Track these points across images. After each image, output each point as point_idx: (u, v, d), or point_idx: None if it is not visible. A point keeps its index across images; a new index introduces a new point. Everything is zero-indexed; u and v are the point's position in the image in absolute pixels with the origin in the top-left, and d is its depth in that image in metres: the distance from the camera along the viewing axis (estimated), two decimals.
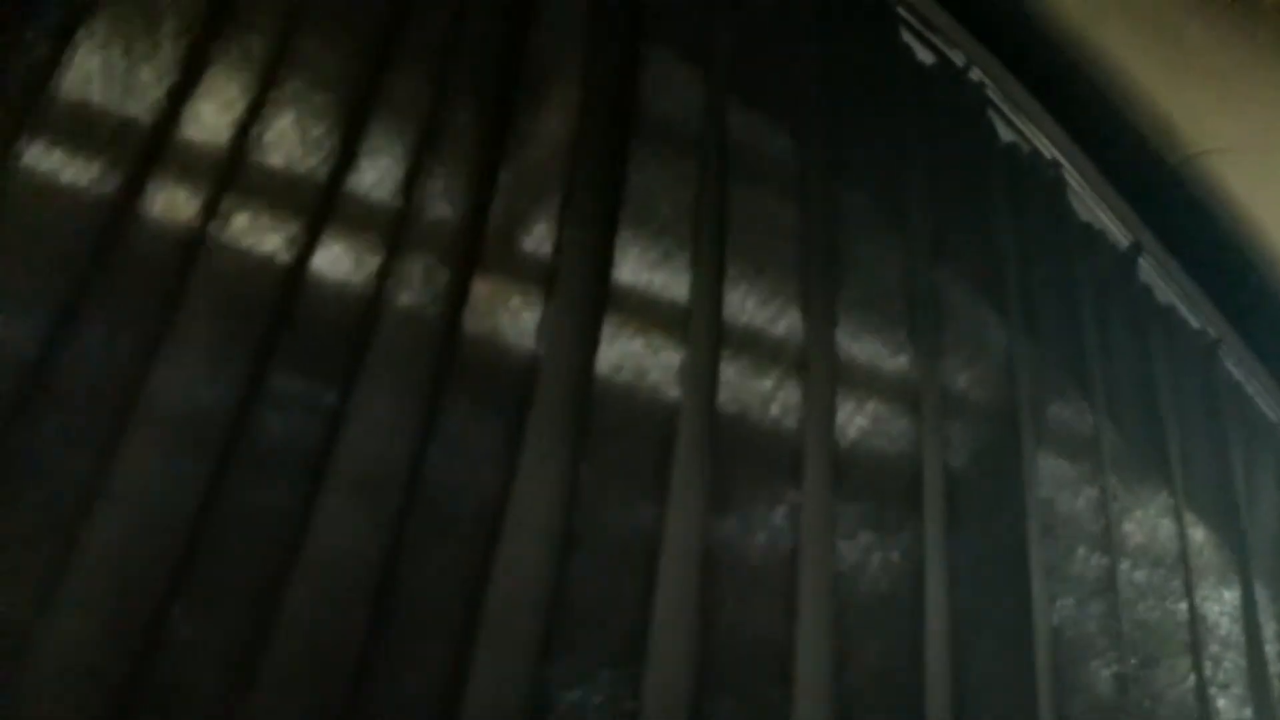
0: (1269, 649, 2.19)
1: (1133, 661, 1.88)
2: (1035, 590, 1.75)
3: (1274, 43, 2.13)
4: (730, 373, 1.64)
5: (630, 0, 1.76)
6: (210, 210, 1.29)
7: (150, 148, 1.29)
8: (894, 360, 1.81)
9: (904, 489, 1.73)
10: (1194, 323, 2.50)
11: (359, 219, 1.41)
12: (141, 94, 1.31)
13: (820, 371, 1.70)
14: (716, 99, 1.73)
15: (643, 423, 1.55)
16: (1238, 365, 2.58)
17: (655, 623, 1.41)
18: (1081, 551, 1.91)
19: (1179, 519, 2.11)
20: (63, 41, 1.28)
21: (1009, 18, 2.11)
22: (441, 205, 1.47)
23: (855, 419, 1.77)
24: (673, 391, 1.56)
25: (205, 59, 1.36)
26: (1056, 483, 1.94)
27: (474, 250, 1.47)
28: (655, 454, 1.52)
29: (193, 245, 1.28)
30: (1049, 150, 2.29)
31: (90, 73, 1.29)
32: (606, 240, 1.58)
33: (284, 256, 1.33)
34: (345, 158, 1.41)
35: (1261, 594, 2.31)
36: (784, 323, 1.75)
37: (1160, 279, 2.46)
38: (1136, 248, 2.40)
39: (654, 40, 1.75)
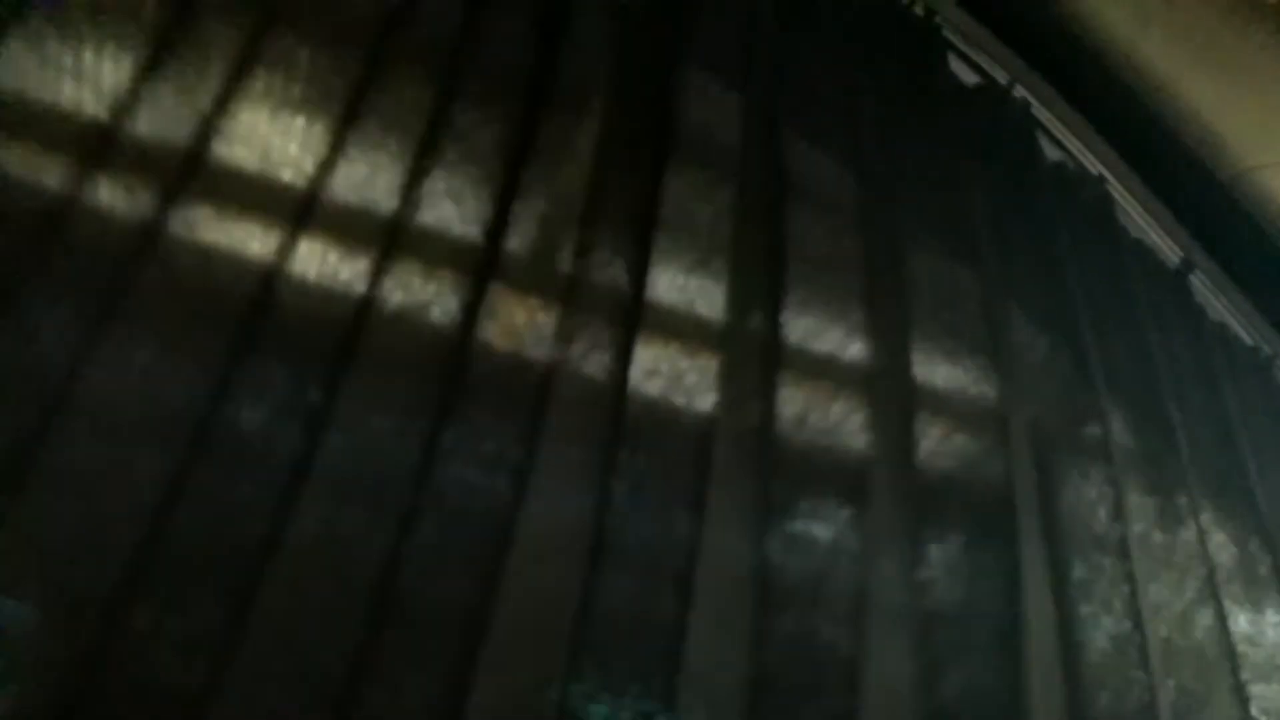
0: None
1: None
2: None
3: None
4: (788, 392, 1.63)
5: (666, 20, 1.75)
6: (286, 244, 1.32)
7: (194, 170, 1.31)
8: (964, 383, 1.80)
9: (990, 510, 1.72)
10: (1248, 339, 2.48)
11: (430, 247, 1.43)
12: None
13: (885, 391, 1.70)
14: (758, 122, 1.72)
15: (678, 436, 1.54)
16: None
17: (691, 638, 1.39)
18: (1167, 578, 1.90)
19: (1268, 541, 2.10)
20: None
21: (1053, 36, 2.09)
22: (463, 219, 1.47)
23: (923, 440, 1.77)
24: (710, 405, 1.55)
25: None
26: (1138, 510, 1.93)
27: (496, 262, 1.46)
28: (692, 468, 1.51)
29: (274, 281, 1.30)
30: (1096, 167, 2.26)
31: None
32: (642, 255, 1.57)
33: (359, 287, 1.35)
34: (414, 183, 1.43)
35: None
36: (840, 341, 1.74)
37: (1213, 296, 2.44)
38: (1188, 265, 2.37)
39: (691, 63, 1.75)
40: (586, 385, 1.46)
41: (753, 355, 1.61)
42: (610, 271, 1.52)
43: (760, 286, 1.65)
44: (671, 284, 1.59)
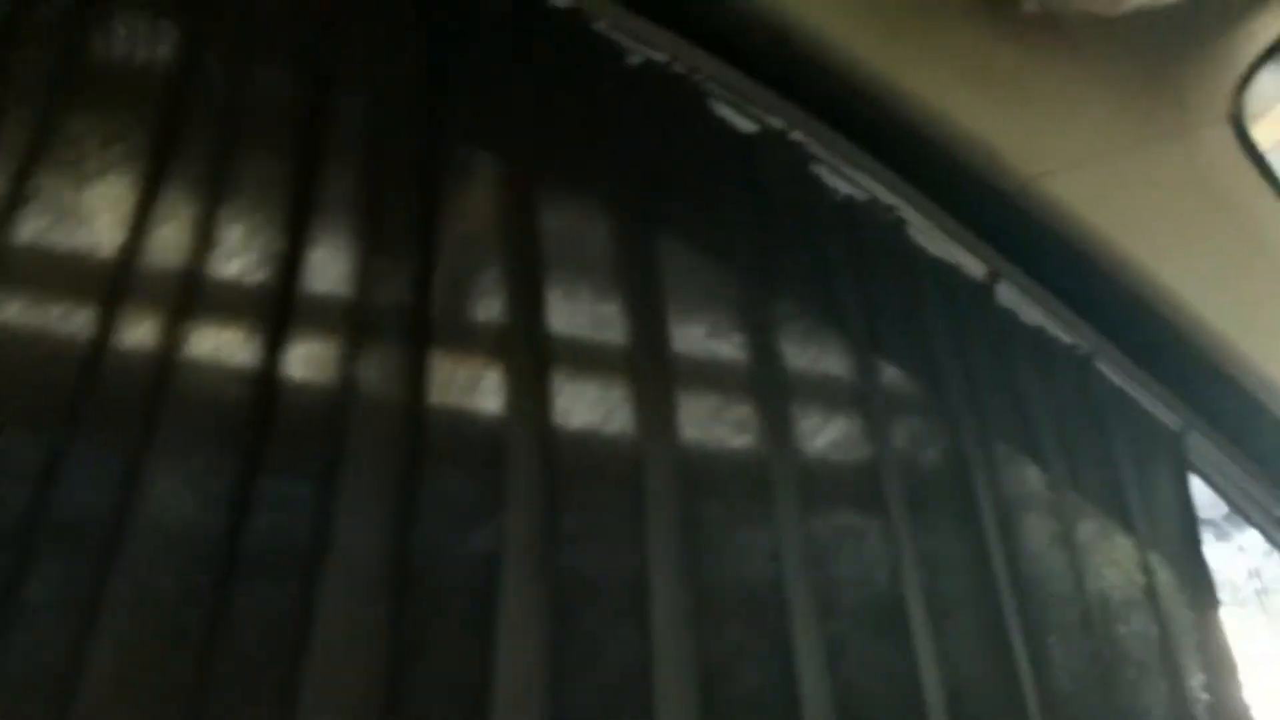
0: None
1: None
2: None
3: (1083, 60, 2.19)
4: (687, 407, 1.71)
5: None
6: (175, 331, 1.34)
7: (111, 279, 1.33)
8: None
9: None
10: (1065, 339, 2.56)
11: (312, 316, 1.45)
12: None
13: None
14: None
15: (610, 467, 1.60)
16: (1118, 374, 2.64)
17: (655, 667, 1.47)
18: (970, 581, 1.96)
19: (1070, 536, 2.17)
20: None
21: (818, 75, 2.16)
22: (389, 289, 1.52)
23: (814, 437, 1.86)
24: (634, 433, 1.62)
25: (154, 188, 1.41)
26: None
27: (425, 326, 1.51)
28: (628, 498, 1.57)
29: (164, 368, 1.32)
30: (887, 198, 2.35)
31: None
32: (538, 295, 1.63)
33: (251, 364, 1.38)
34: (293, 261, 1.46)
35: (1167, 583, 2.37)
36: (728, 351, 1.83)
37: (1026, 304, 2.52)
38: (994, 276, 2.46)
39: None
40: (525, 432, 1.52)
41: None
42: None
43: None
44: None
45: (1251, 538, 3.25)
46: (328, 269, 1.50)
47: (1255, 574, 3.99)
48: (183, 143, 1.46)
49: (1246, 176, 2.41)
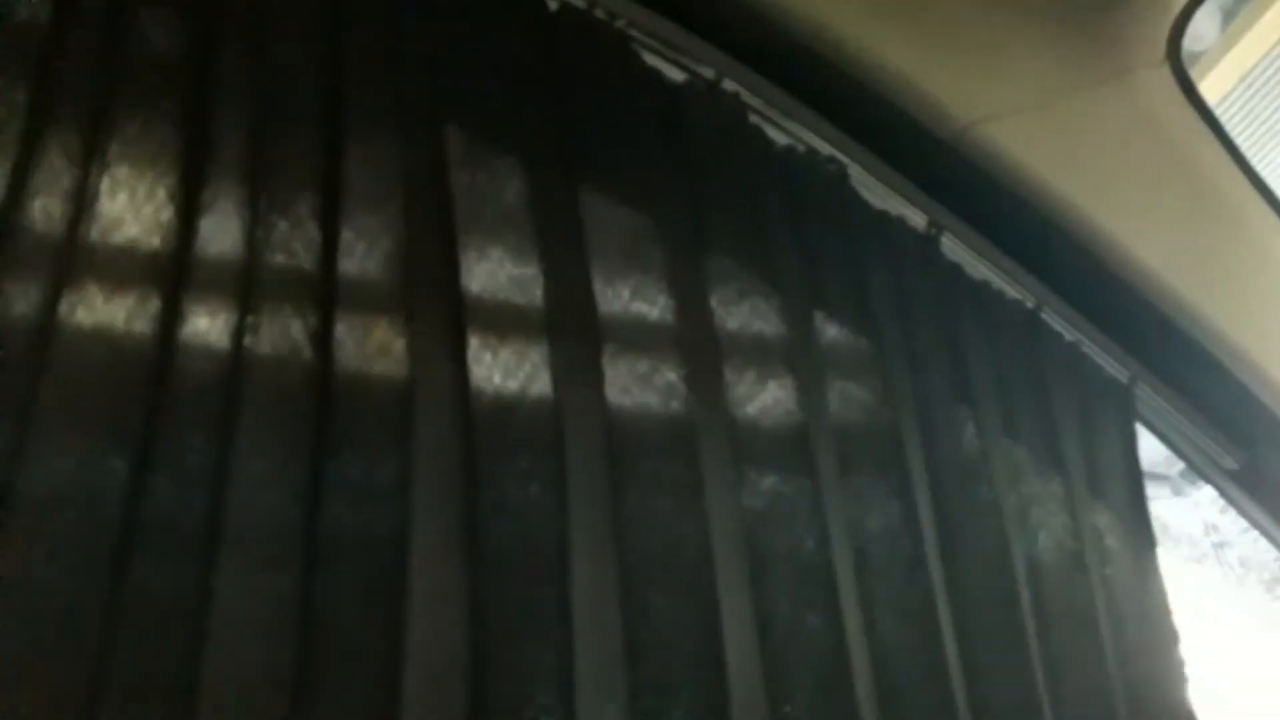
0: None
1: None
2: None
3: (1019, 5, 2.14)
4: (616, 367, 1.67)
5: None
6: (55, 299, 1.28)
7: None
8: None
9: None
10: (1011, 293, 2.51)
11: (209, 281, 1.39)
12: None
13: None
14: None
15: (530, 440, 1.55)
16: (1067, 326, 2.60)
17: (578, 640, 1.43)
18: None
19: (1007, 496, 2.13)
20: None
21: (747, 23, 2.10)
22: (287, 251, 1.46)
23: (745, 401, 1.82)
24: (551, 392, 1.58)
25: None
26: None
27: (330, 289, 1.46)
28: (550, 466, 1.53)
29: (45, 334, 1.27)
30: (826, 149, 2.28)
31: None
32: (450, 252, 1.58)
33: (143, 337, 1.32)
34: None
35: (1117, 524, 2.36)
36: (656, 313, 1.78)
37: (971, 258, 2.47)
38: (935, 226, 2.40)
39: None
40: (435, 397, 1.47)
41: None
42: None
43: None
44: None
45: (1207, 493, 3.24)
46: (222, 233, 1.43)
47: (1212, 528, 4.01)
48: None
49: (1187, 119, 2.37)
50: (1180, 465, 3.03)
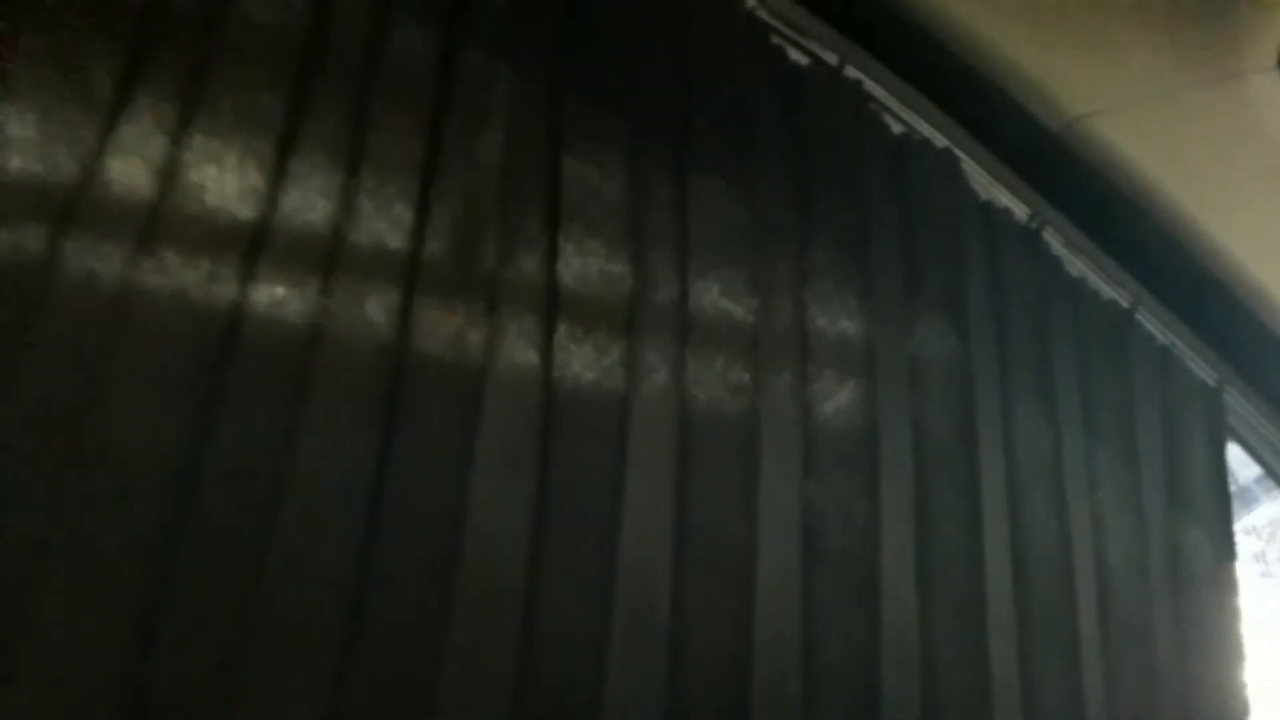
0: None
1: None
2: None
3: (1132, 5, 2.09)
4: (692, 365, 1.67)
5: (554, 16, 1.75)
6: (140, 259, 1.30)
7: (71, 207, 1.28)
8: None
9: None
10: (1107, 291, 2.47)
11: (298, 253, 1.41)
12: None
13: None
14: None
15: (599, 427, 1.56)
16: (1159, 327, 2.56)
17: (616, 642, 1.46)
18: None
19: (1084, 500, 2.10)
20: None
21: (872, 11, 2.08)
22: (382, 231, 1.47)
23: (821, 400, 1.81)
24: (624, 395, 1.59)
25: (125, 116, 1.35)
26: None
27: (418, 271, 1.47)
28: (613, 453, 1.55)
29: (122, 296, 1.28)
30: (938, 139, 2.26)
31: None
32: (550, 249, 1.59)
33: (219, 304, 1.34)
34: (271, 199, 1.41)
35: (1199, 536, 2.30)
36: (741, 312, 1.76)
37: (1069, 252, 2.43)
38: (1038, 219, 2.37)
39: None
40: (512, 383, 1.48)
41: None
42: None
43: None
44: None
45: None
46: (309, 207, 1.44)
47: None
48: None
49: None
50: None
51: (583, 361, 1.57)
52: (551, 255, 1.59)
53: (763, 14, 2.05)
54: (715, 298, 1.74)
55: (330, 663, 1.28)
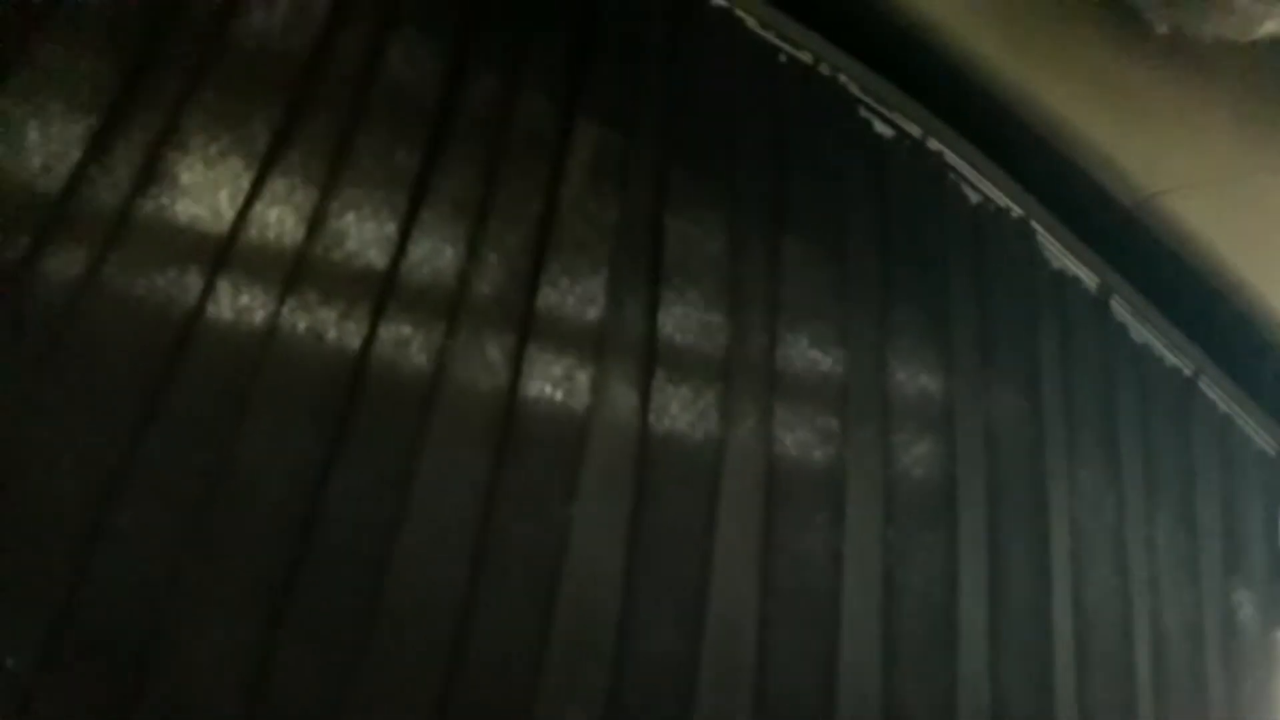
0: None
1: None
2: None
3: (1210, 83, 2.14)
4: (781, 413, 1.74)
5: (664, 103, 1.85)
6: (278, 305, 1.39)
7: (221, 252, 1.37)
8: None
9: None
10: (1171, 359, 2.52)
11: (415, 303, 1.49)
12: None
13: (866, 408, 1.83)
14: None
15: (692, 471, 1.63)
16: (1222, 396, 2.59)
17: (704, 677, 1.51)
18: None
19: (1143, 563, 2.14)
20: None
21: (953, 83, 2.14)
22: (493, 282, 1.55)
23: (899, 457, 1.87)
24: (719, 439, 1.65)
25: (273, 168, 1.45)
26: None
27: (533, 317, 1.56)
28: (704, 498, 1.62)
29: (262, 341, 1.37)
30: (1016, 210, 2.32)
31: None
32: (651, 302, 1.68)
33: (350, 344, 1.42)
34: (401, 247, 1.50)
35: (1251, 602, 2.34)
36: (829, 364, 1.84)
37: (1135, 320, 2.48)
38: (1106, 289, 2.41)
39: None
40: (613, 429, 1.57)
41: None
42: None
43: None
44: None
45: None
46: (437, 255, 1.53)
47: None
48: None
49: None
50: None
51: (680, 404, 1.65)
52: (653, 305, 1.67)
53: (852, 89, 2.13)
54: (804, 349, 1.82)
55: (435, 683, 1.35)
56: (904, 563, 1.80)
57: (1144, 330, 2.49)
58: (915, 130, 2.20)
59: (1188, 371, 2.52)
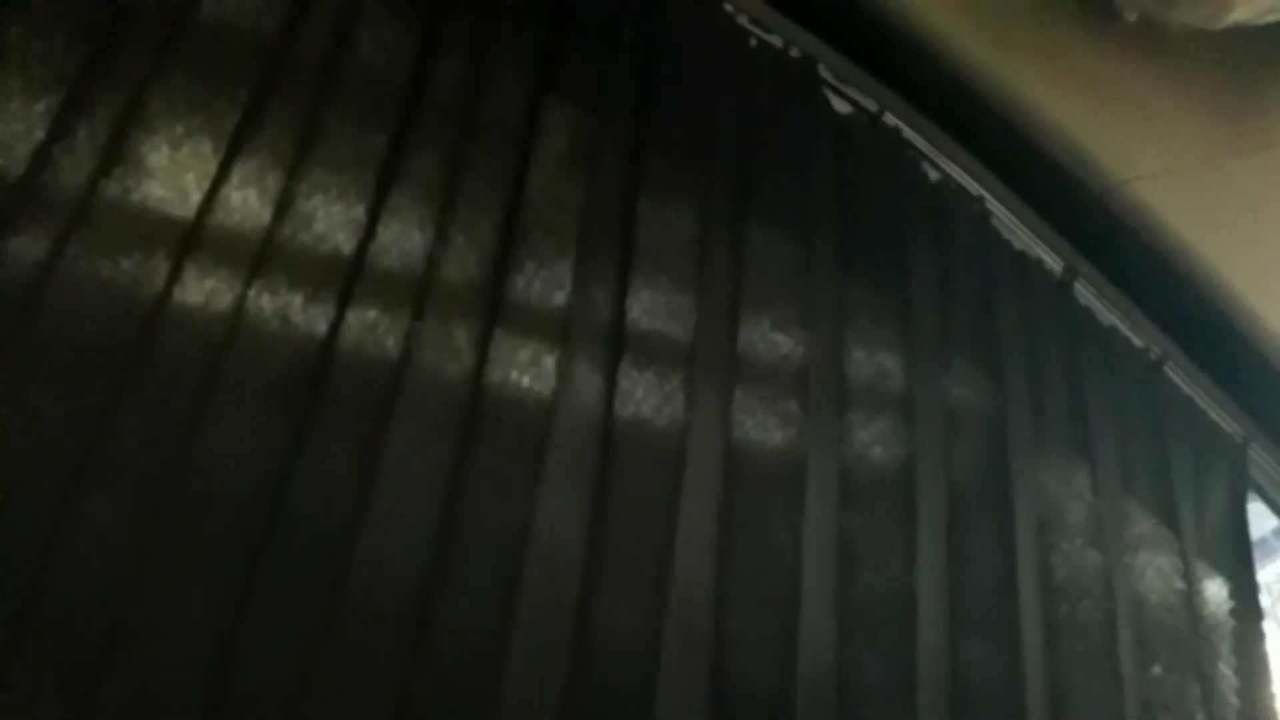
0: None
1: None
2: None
3: (1180, 70, 2.16)
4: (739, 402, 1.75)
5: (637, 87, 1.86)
6: (244, 289, 1.40)
7: (188, 235, 1.38)
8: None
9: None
10: (1137, 342, 2.53)
11: (382, 287, 1.50)
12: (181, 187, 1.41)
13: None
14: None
15: (655, 455, 1.64)
16: (1185, 380, 2.61)
17: (666, 656, 1.52)
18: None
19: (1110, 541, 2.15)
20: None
21: (918, 63, 2.15)
22: (462, 267, 1.56)
23: (858, 437, 1.88)
24: (682, 423, 1.66)
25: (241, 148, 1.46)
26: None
27: (500, 301, 1.57)
28: (668, 483, 1.62)
29: (229, 325, 1.37)
30: (975, 189, 2.33)
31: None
32: (620, 287, 1.69)
33: (317, 328, 1.43)
34: (369, 231, 1.51)
35: (1216, 592, 2.35)
36: (790, 346, 1.85)
37: (1101, 304, 2.49)
38: (1071, 273, 2.43)
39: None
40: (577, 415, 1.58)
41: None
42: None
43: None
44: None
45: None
46: (403, 239, 1.54)
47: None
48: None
49: None
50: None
51: (645, 388, 1.66)
52: (622, 290, 1.68)
53: (821, 70, 2.16)
54: (766, 332, 1.83)
55: (398, 666, 1.35)
56: (862, 540, 1.81)
57: (1110, 314, 2.50)
58: (872, 105, 2.23)
59: (1154, 355, 2.53)
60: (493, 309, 1.56)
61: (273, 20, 1.53)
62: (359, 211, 1.51)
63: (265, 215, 1.44)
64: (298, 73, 1.53)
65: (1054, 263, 2.43)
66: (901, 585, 1.81)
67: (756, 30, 2.09)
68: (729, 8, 2.07)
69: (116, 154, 1.37)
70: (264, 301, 1.40)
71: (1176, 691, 2.17)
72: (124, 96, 1.39)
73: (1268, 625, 2.49)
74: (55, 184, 1.33)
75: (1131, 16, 2.04)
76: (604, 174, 1.73)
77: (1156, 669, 2.15)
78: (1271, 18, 1.99)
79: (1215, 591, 2.41)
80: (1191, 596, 2.28)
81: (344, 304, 1.45)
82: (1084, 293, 2.47)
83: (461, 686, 1.39)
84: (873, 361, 1.96)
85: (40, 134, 1.34)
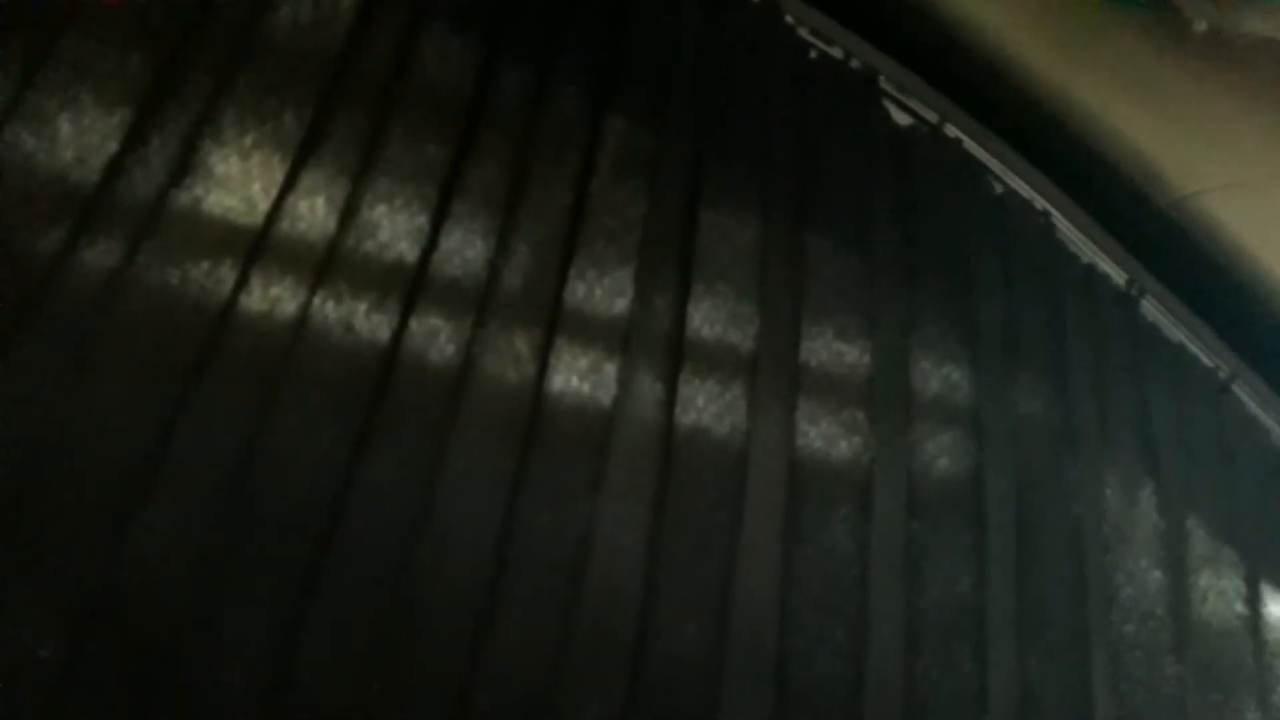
0: None
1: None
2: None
3: (1248, 80, 2.15)
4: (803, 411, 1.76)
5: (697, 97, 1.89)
6: (309, 296, 1.44)
7: (254, 243, 1.44)
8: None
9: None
10: (1205, 360, 2.52)
11: (444, 295, 1.54)
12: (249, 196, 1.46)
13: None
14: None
15: (717, 464, 1.65)
16: (1253, 399, 2.59)
17: (728, 669, 1.53)
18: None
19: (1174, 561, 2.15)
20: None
21: (984, 76, 2.16)
22: (523, 275, 1.60)
23: (925, 448, 1.88)
24: (745, 432, 1.68)
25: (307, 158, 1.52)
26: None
27: (560, 310, 1.60)
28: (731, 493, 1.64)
29: (294, 332, 1.42)
30: (1040, 203, 2.33)
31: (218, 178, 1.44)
32: (681, 295, 1.72)
33: (380, 336, 1.47)
34: (432, 239, 1.55)
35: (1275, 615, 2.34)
36: (854, 355, 1.86)
37: (1166, 320, 2.49)
38: (1137, 287, 2.43)
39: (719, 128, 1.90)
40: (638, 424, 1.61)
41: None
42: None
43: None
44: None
45: None
46: (465, 248, 1.58)
47: None
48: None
49: None
50: None
51: (706, 397, 1.68)
52: (682, 298, 1.70)
53: (883, 83, 2.19)
54: (830, 340, 1.85)
55: (458, 678, 1.38)
56: (929, 555, 1.81)
57: (1177, 331, 2.49)
58: (933, 117, 2.25)
59: (1223, 374, 2.52)
60: (554, 317, 1.59)
61: (338, 34, 1.59)
62: (422, 220, 1.55)
63: (330, 224, 1.49)
64: (362, 85, 1.58)
65: (1119, 277, 2.42)
66: (971, 599, 1.81)
67: (817, 41, 2.12)
68: (790, 19, 2.10)
69: (187, 164, 1.43)
70: (328, 309, 1.44)
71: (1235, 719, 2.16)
72: (195, 109, 1.45)
73: None
74: (128, 194, 1.38)
75: (1200, 26, 2.03)
76: (665, 183, 1.77)
77: (1216, 695, 2.15)
78: None
79: (1277, 614, 2.39)
80: (1255, 621, 2.27)
81: (407, 312, 1.49)
82: (1150, 308, 2.45)
83: (520, 701, 1.41)
84: (939, 373, 1.96)
85: (114, 145, 1.38)
